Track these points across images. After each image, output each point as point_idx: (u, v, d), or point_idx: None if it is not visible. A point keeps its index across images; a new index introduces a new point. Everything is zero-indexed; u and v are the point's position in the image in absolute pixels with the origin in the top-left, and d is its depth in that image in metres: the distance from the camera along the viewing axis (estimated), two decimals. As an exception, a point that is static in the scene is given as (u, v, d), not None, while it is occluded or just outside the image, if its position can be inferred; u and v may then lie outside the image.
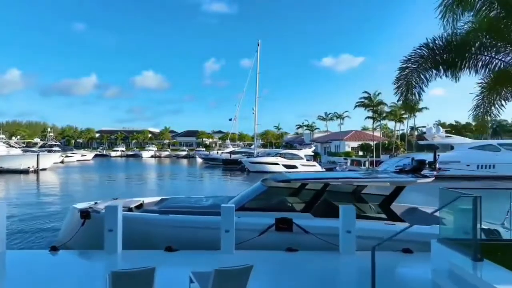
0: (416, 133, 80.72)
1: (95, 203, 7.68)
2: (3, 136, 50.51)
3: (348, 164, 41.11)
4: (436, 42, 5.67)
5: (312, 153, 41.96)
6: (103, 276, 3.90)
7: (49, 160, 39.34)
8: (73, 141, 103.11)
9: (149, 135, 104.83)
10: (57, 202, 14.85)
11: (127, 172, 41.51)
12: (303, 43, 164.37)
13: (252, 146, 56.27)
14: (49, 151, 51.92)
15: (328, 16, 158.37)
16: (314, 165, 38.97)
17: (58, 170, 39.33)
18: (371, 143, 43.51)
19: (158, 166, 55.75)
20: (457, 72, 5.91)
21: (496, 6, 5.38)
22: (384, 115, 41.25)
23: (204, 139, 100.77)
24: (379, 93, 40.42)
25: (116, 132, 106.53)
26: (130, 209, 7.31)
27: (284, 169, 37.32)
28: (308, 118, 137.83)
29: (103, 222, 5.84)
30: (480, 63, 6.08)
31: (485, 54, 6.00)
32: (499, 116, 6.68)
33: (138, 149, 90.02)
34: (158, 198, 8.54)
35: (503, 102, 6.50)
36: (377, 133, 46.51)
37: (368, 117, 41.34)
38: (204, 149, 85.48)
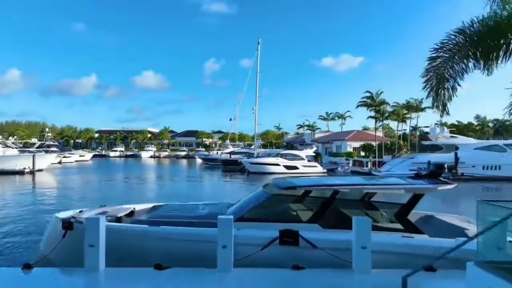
0: (417, 133, 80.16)
1: (80, 211, 6.97)
2: (0, 136, 49.86)
3: (350, 164, 40.43)
4: (474, 26, 4.89)
5: (314, 154, 41.25)
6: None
7: (46, 160, 38.62)
8: (72, 141, 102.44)
9: (149, 135, 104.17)
10: (47, 207, 14.13)
11: (125, 173, 40.78)
12: (303, 43, 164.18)
13: (252, 147, 55.59)
14: (47, 152, 51.24)
15: (328, 16, 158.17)
16: (316, 166, 38.29)
17: (54, 171, 38.60)
18: (373, 143, 42.83)
19: (157, 167, 55.03)
20: (494, 63, 5.08)
21: None
22: (387, 115, 40.53)
23: (204, 139, 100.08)
24: (381, 92, 39.83)
25: (115, 132, 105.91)
26: (118, 219, 6.60)
27: (284, 170, 36.66)
28: (308, 118, 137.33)
29: (99, 223, 5.15)
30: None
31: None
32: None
33: (137, 149, 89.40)
34: (151, 205, 7.82)
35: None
36: (379, 133, 45.81)
37: (371, 117, 40.74)
38: (203, 149, 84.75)
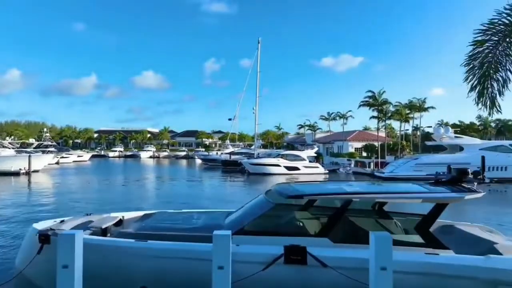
0: (418, 133, 79.34)
1: (61, 221, 6.24)
2: (-4, 137, 49.21)
3: (352, 165, 39.71)
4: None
5: (315, 154, 40.52)
6: None
7: (42, 161, 37.89)
8: (71, 141, 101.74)
9: (148, 135, 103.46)
10: (33, 214, 13.38)
11: (123, 174, 40.05)
12: (302, 43, 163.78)
13: (253, 147, 54.88)
14: (44, 152, 50.62)
15: (327, 16, 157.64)
16: (317, 167, 37.58)
17: (51, 172, 37.89)
18: (376, 143, 42.09)
19: (156, 167, 54.31)
20: None
21: None
22: (390, 114, 39.76)
23: (203, 139, 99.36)
24: (384, 91, 39.04)
25: (114, 132, 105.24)
26: (104, 231, 5.88)
27: (285, 171, 35.95)
28: (308, 118, 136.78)
29: (74, 239, 4.41)
30: None
31: None
32: None
33: (136, 150, 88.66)
34: (141, 213, 7.10)
35: None
36: (382, 134, 45.06)
37: (373, 117, 39.95)
38: (203, 149, 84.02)
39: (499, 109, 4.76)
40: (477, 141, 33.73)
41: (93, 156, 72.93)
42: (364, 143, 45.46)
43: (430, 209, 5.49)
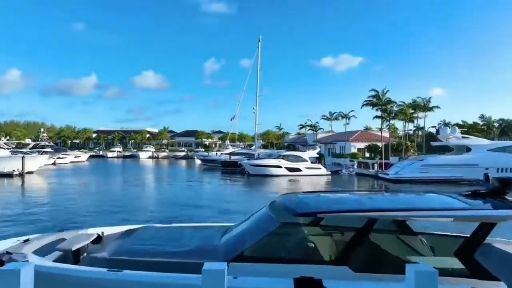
0: (420, 133, 78.23)
1: (26, 240, 5.21)
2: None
3: (355, 166, 38.68)
4: None
5: (317, 155, 39.48)
6: None
7: (36, 162, 36.92)
8: (69, 141, 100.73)
9: (147, 135, 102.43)
10: (15, 223, 12.38)
11: (120, 175, 39.07)
12: (302, 43, 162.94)
13: (253, 147, 53.86)
14: (40, 152, 49.67)
15: (327, 16, 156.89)
16: (319, 168, 36.56)
17: (46, 173, 36.91)
18: (379, 144, 41.06)
19: (154, 168, 53.32)
20: None
21: None
22: (394, 114, 38.68)
23: (203, 140, 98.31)
24: (388, 90, 37.98)
25: (113, 132, 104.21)
26: (75, 253, 4.88)
27: (287, 172, 34.93)
28: (308, 118, 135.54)
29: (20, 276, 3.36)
30: None
31: None
32: None
33: (135, 150, 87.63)
34: (124, 228, 6.06)
35: None
36: (385, 134, 43.97)
37: (377, 117, 38.87)
38: (203, 149, 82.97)
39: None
40: (485, 141, 32.68)
41: (91, 157, 71.83)
42: (367, 144, 44.39)
43: (473, 229, 4.47)
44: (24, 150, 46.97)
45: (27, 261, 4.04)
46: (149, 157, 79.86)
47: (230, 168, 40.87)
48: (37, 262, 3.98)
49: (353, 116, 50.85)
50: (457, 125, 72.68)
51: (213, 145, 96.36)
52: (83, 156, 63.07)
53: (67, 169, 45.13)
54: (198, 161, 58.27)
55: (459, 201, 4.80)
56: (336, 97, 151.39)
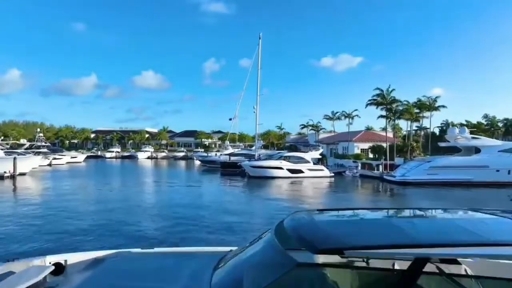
0: (422, 133, 76.89)
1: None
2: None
3: (359, 168, 37.36)
4: None
5: (320, 156, 38.17)
6: None
7: (29, 163, 35.66)
8: (67, 141, 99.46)
9: (146, 136, 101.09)
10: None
11: (116, 177, 37.82)
12: (302, 43, 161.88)
13: (253, 148, 52.59)
14: (36, 153, 48.49)
15: (326, 16, 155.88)
16: (322, 169, 35.26)
17: (40, 175, 35.68)
18: (384, 144, 39.75)
19: (152, 169, 52.06)
20: None
21: None
22: (399, 114, 37.36)
23: (203, 140, 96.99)
24: (393, 89, 36.66)
25: (112, 132, 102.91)
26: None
27: (288, 174, 33.67)
28: (308, 118, 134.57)
29: None
30: None
31: None
32: None
33: (134, 150, 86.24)
34: (91, 256, 4.77)
35: None
36: (389, 134, 42.70)
37: (382, 116, 37.53)
38: (202, 150, 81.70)
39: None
40: (496, 142, 31.36)
41: (88, 157, 70.61)
42: (370, 144, 43.05)
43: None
44: (18, 150, 45.77)
45: None
46: (148, 158, 78.59)
47: (230, 170, 39.59)
48: None
49: (357, 115, 49.62)
50: (461, 125, 71.56)
51: (213, 145, 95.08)
52: (80, 156, 61.79)
53: (62, 170, 43.88)
54: (197, 162, 57.03)
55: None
56: (336, 97, 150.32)
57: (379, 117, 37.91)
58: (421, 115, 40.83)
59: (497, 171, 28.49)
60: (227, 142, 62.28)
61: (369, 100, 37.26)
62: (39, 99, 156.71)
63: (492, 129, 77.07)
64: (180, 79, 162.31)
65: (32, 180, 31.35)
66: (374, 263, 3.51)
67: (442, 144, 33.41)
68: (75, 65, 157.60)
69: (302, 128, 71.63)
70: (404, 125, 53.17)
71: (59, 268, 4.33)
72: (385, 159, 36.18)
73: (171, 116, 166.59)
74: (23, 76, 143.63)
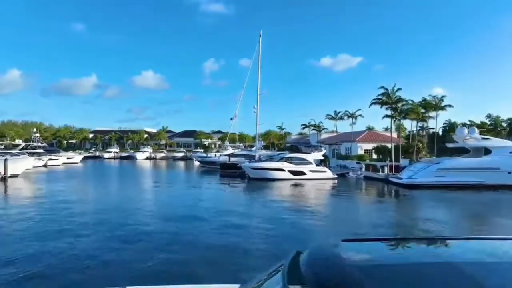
0: (424, 133, 75.45)
1: None
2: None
3: (363, 169, 36.09)
4: None
5: (323, 157, 36.88)
6: None
7: (22, 165, 34.41)
8: (65, 142, 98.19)
9: (145, 136, 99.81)
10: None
11: (112, 179, 36.59)
12: (301, 43, 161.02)
13: (253, 148, 51.36)
14: (31, 154, 47.28)
15: (326, 16, 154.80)
16: (325, 171, 33.99)
17: (32, 177, 34.47)
18: (388, 145, 38.48)
19: (150, 170, 50.86)
20: None
21: None
22: (404, 113, 36.03)
23: (202, 140, 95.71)
24: (399, 88, 35.33)
25: (110, 132, 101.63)
26: None
27: (290, 176, 32.42)
28: (308, 118, 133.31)
29: None
30: None
31: None
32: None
33: (132, 151, 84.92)
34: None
35: None
36: (394, 134, 41.37)
37: (387, 116, 36.22)
38: (201, 150, 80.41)
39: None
40: (507, 143, 30.05)
41: (86, 158, 69.40)
42: (374, 145, 41.75)
43: None
44: (13, 151, 44.59)
45: None
46: (147, 158, 77.35)
47: (229, 171, 38.36)
48: None
49: (360, 115, 48.31)
50: (463, 125, 70.23)
51: (213, 146, 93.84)
52: (77, 157, 60.53)
53: (57, 171, 42.65)
54: (196, 163, 55.78)
55: None
56: (336, 97, 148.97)
57: (384, 116, 36.68)
58: (427, 115, 39.48)
59: (509, 173, 27.24)
60: (227, 143, 60.98)
61: (374, 99, 36.00)
62: (39, 99, 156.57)
63: (496, 129, 75.70)
64: (180, 79, 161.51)
65: (24, 183, 30.14)
66: None
67: (450, 145, 32.11)
68: (75, 65, 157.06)
69: (304, 128, 70.36)
70: (407, 125, 51.96)
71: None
72: (390, 160, 34.92)
73: (171, 116, 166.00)
74: (23, 76, 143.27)
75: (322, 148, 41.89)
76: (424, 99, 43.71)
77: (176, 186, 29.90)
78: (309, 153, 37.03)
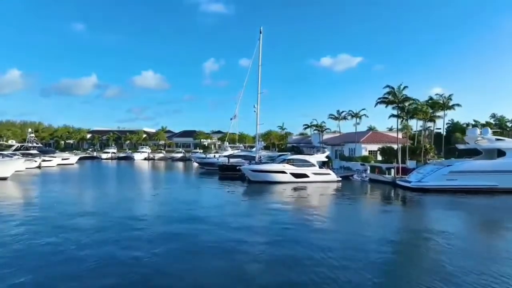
0: (426, 133, 73.66)
1: None
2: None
3: (368, 171, 34.46)
4: None
5: (326, 159, 35.23)
6: None
7: (10, 167, 32.92)
8: (62, 142, 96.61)
9: (144, 136, 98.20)
10: None
11: (106, 181, 34.98)
12: (301, 43, 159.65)
13: (254, 149, 49.75)
14: (24, 155, 45.78)
15: (325, 16, 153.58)
16: (329, 174, 32.38)
17: (23, 180, 32.92)
18: (394, 146, 36.85)
19: (147, 172, 49.28)
20: None
21: None
22: (412, 113, 34.34)
23: (202, 140, 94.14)
24: (405, 87, 33.67)
25: (108, 133, 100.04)
26: None
27: (292, 179, 30.85)
28: (308, 118, 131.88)
29: None
30: None
31: None
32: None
33: (130, 151, 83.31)
34: None
35: None
36: (395, 134, 39.69)
37: (393, 116, 34.56)
38: (201, 151, 78.84)
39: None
40: (524, 144, 28.28)
41: (83, 158, 67.86)
42: (379, 145, 40.08)
43: None
44: (4, 152, 43.07)
45: None
46: (145, 159, 75.76)
47: (229, 173, 36.76)
48: None
49: (364, 115, 46.65)
50: (468, 125, 68.62)
51: (213, 146, 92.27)
52: (72, 158, 58.94)
53: (50, 173, 41.06)
54: (195, 164, 54.14)
55: None
56: (337, 97, 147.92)
57: (390, 116, 34.99)
58: (435, 114, 37.78)
59: (526, 177, 25.59)
60: (226, 143, 59.31)
61: (379, 98, 34.30)
62: (39, 99, 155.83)
63: (501, 129, 74.06)
64: (180, 79, 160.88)
65: (11, 187, 28.55)
66: None
67: (460, 146, 30.45)
68: (75, 65, 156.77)
69: (305, 128, 68.70)
70: (414, 125, 50.14)
71: None
72: (397, 162, 33.31)
73: (170, 116, 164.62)
74: (23, 76, 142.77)
75: (326, 150, 40.25)
76: (431, 98, 42.10)
77: (170, 190, 28.31)
78: (311, 154, 35.40)
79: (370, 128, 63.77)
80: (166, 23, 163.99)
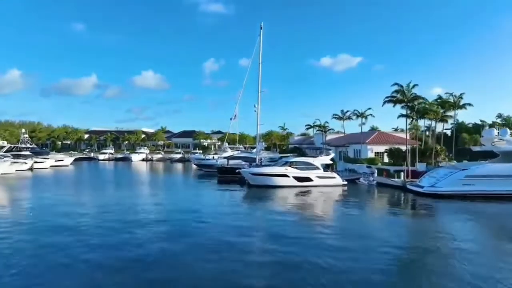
0: (430, 133, 71.55)
1: None
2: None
3: (375, 174, 32.44)
4: None
5: (331, 162, 33.24)
6: None
7: (-4, 170, 31.12)
8: (59, 142, 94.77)
9: (142, 136, 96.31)
10: None
11: (100, 185, 33.02)
12: (301, 43, 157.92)
13: (254, 150, 47.83)
14: (15, 156, 44.05)
15: (325, 16, 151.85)
16: (334, 177, 30.41)
17: (9, 184, 31.11)
18: (402, 147, 34.84)
19: (145, 174, 47.44)
20: None
21: None
22: (422, 113, 32.27)
23: (201, 140, 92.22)
24: (415, 85, 31.63)
25: (106, 133, 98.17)
26: None
27: (295, 182, 28.91)
28: (308, 117, 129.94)
29: None
30: None
31: None
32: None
33: (128, 152, 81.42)
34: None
35: None
36: (403, 135, 37.67)
37: (402, 115, 32.55)
38: (200, 151, 76.91)
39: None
40: (545, 146, 26.25)
41: (79, 159, 66.06)
42: (386, 147, 38.06)
43: None
44: (-5, 153, 41.33)
45: None
46: (143, 160, 73.89)
47: (227, 176, 34.84)
48: None
49: (370, 115, 44.63)
50: (475, 125, 66.43)
51: (212, 147, 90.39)
52: (67, 159, 57.08)
53: (42, 176, 39.18)
54: (194, 165, 52.25)
55: None
56: (337, 97, 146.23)
57: (399, 116, 32.94)
58: (445, 114, 35.76)
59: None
60: (226, 144, 57.30)
61: (387, 97, 32.29)
62: (39, 99, 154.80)
63: (510, 129, 71.75)
64: (180, 79, 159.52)
65: (2, 190, 26.71)
66: None
67: (476, 148, 28.46)
68: (75, 65, 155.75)
69: (308, 128, 66.65)
70: (435, 125, 47.66)
71: None
72: (406, 165, 31.33)
73: (170, 116, 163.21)
74: (23, 76, 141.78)
75: (331, 151, 38.26)
76: (440, 97, 40.06)
77: (165, 196, 26.43)
78: (315, 156, 33.43)
79: (373, 128, 61.79)
80: (166, 23, 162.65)
